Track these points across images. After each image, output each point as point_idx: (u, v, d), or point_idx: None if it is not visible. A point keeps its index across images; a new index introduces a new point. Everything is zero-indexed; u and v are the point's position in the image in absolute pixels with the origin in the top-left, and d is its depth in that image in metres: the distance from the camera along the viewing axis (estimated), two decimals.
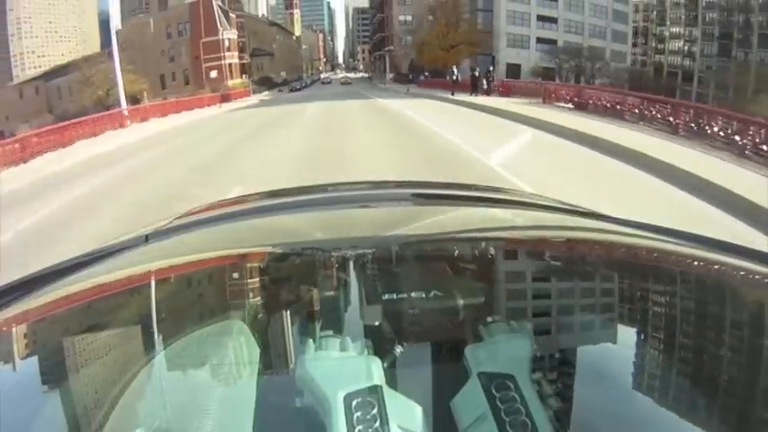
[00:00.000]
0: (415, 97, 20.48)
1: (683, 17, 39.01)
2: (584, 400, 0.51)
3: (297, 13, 63.26)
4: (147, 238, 0.87)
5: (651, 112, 10.48)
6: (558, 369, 0.55)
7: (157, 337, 0.60)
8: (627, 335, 0.61)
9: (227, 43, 37.02)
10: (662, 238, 0.81)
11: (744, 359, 0.54)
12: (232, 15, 38.88)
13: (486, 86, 18.35)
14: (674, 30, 39.56)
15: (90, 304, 0.71)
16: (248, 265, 0.79)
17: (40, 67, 50.41)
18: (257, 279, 0.76)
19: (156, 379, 0.54)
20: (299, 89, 39.84)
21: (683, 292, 0.71)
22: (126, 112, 17.21)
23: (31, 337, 0.64)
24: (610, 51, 38.23)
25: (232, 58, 37.36)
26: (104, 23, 57.20)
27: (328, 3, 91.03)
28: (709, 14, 37.32)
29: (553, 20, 36.09)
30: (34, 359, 0.59)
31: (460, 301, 0.64)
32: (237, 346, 0.57)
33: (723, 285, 0.72)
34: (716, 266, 0.73)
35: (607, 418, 0.49)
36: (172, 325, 0.64)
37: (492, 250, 0.82)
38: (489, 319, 0.60)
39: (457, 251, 0.82)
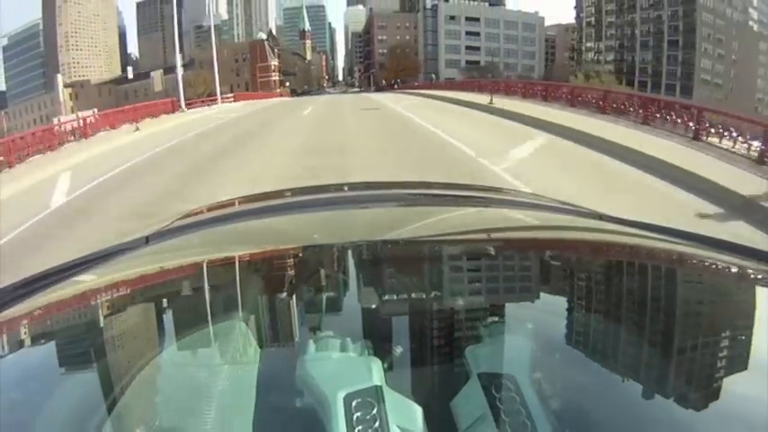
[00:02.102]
0: (375, 93, 40.97)
1: (593, 35, 58.70)
2: (584, 400, 0.52)
3: (308, 42, 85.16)
4: (147, 240, 0.90)
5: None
6: (557, 369, 0.55)
7: (158, 338, 0.63)
8: (627, 335, 0.62)
9: (272, 67, 62.04)
10: (662, 237, 0.83)
11: (744, 357, 0.55)
12: (275, 49, 63.71)
13: (397, 87, 42.28)
14: (589, 44, 59.25)
15: (90, 305, 0.73)
16: (248, 266, 0.82)
17: (84, 76, 61.63)
18: (257, 280, 0.78)
19: (156, 379, 0.55)
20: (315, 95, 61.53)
21: (684, 292, 0.73)
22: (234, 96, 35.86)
23: (31, 337, 0.65)
24: (521, 66, 57.93)
25: (275, 76, 62.06)
26: (122, 37, 69.26)
27: (329, 23, 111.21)
28: (610, 31, 56.97)
29: (477, 48, 55.95)
30: (34, 359, 0.60)
31: (460, 301, 0.66)
32: (238, 347, 0.59)
33: (723, 285, 0.74)
34: (716, 266, 0.76)
35: (607, 419, 0.50)
36: (172, 326, 0.66)
37: (492, 250, 0.84)
38: (489, 319, 0.62)
39: (457, 251, 0.84)
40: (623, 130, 8.10)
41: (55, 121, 12.63)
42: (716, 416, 0.48)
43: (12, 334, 0.65)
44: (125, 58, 69.49)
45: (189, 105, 21.07)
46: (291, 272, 0.80)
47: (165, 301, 0.73)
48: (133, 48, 73.41)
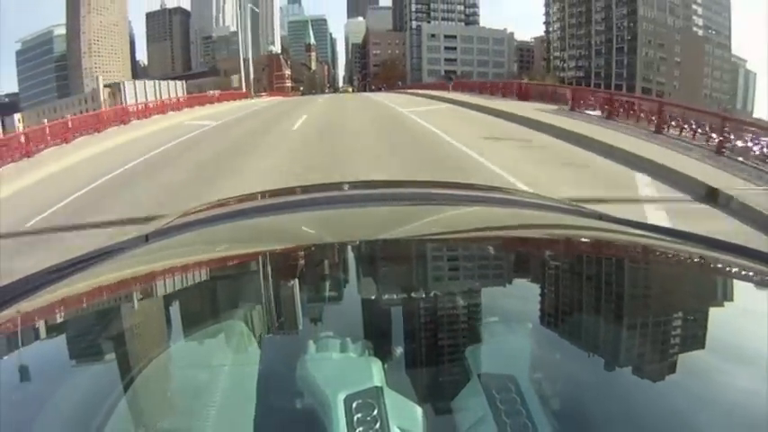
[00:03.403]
0: (370, 94, 45.65)
1: (558, 46, 72.27)
2: (584, 400, 0.53)
3: (313, 54, 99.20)
4: (147, 238, 0.91)
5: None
6: (558, 370, 0.56)
7: (157, 338, 0.64)
8: (628, 334, 0.63)
9: (286, 75, 77.58)
10: (662, 237, 0.85)
11: (744, 356, 0.56)
12: (288, 61, 79.75)
13: (382, 89, 50.83)
14: (556, 54, 72.71)
15: (90, 304, 0.74)
16: (248, 264, 0.84)
17: (105, 80, 64.57)
18: (257, 279, 0.79)
19: (156, 379, 0.56)
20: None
21: (684, 292, 0.75)
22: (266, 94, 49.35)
23: (30, 336, 0.66)
24: (491, 73, 71.26)
25: (288, 82, 77.40)
26: (131, 45, 75.71)
27: (330, 34, 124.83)
28: (572, 41, 70.54)
29: (454, 60, 69.44)
30: (34, 359, 0.60)
31: (460, 301, 0.68)
32: (238, 347, 0.59)
33: (723, 285, 0.75)
34: (715, 266, 0.77)
35: (609, 419, 0.51)
36: (172, 325, 0.67)
37: (492, 250, 0.86)
38: (489, 319, 0.62)
39: (457, 251, 0.85)
40: (465, 97, 18.22)
41: (208, 92, 27.02)
42: (717, 414, 0.49)
43: (11, 333, 0.66)
44: (135, 65, 76.38)
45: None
46: (292, 271, 0.82)
47: (164, 299, 0.74)
48: (141, 55, 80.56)
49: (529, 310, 0.69)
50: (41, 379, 0.55)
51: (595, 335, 0.64)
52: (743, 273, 0.73)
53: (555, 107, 12.37)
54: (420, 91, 28.53)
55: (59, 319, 0.71)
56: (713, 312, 0.68)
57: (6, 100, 67.52)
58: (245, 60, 46.96)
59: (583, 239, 0.92)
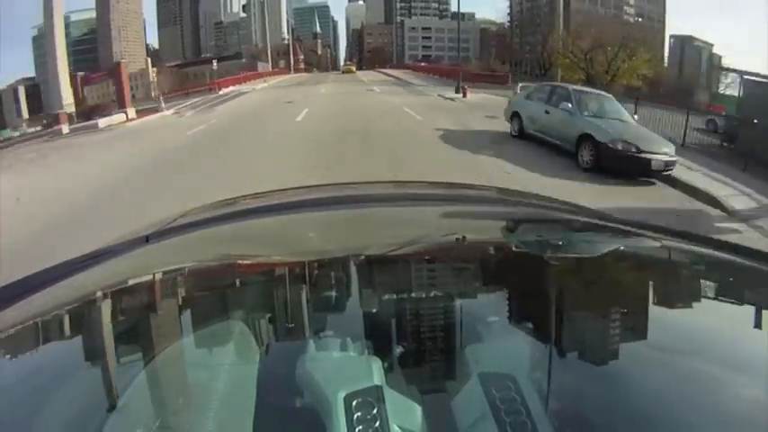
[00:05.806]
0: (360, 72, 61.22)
1: (519, 35, 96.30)
2: (584, 400, 0.55)
3: (319, 42, 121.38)
4: (147, 239, 0.93)
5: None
6: (558, 369, 0.57)
7: (158, 338, 0.65)
8: (627, 334, 0.64)
9: (300, 59, 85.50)
10: (662, 237, 0.88)
11: (744, 356, 0.57)
12: (301, 47, 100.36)
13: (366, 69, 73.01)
14: (516, 40, 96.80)
15: (90, 305, 0.75)
16: (248, 265, 0.86)
17: (132, 62, 70.78)
18: (257, 279, 0.81)
19: (157, 379, 0.57)
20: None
21: (683, 292, 0.76)
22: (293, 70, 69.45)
23: (31, 337, 0.67)
24: (461, 57, 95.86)
25: (302, 65, 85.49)
26: (144, 30, 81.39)
27: (333, 17, 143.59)
28: (527, 29, 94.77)
29: (429, 46, 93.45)
30: (34, 359, 0.62)
31: (460, 301, 0.69)
32: (238, 347, 0.61)
33: (723, 284, 0.77)
34: (716, 266, 0.80)
35: (607, 419, 0.52)
36: (173, 325, 0.68)
37: (492, 250, 0.89)
38: (489, 319, 0.64)
39: (456, 251, 0.87)
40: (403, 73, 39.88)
41: (269, 68, 48.78)
42: (717, 416, 0.49)
43: (11, 333, 0.66)
44: (148, 49, 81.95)
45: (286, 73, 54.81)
46: (291, 271, 0.83)
47: (165, 300, 0.76)
48: (152, 39, 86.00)
49: (528, 309, 0.71)
50: (42, 379, 0.56)
51: (595, 335, 0.66)
52: (742, 272, 0.76)
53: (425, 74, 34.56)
54: (382, 69, 52.72)
55: (59, 320, 0.72)
56: (713, 312, 0.70)
57: (30, 83, 72.05)
58: (272, 47, 70.86)
59: (582, 239, 0.95)
